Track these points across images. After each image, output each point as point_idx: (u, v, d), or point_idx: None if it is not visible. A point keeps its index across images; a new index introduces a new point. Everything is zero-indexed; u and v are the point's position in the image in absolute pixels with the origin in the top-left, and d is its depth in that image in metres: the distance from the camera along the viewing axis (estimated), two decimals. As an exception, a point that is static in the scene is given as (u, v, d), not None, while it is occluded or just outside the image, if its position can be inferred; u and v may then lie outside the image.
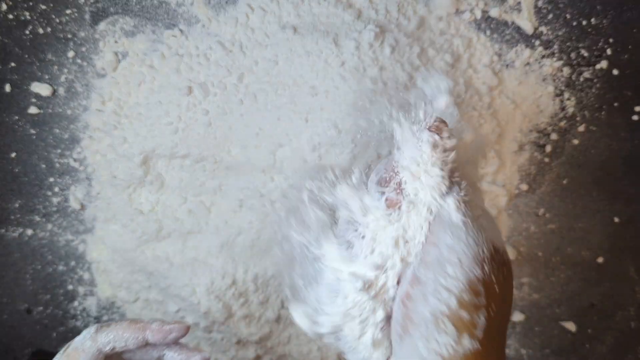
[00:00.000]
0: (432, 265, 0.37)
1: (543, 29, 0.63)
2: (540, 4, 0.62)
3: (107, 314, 0.70)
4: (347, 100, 0.56)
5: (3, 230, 0.66)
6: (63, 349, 0.45)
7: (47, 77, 0.62)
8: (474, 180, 0.43)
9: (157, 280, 0.65)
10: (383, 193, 0.40)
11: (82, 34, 0.61)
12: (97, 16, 0.61)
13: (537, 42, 0.64)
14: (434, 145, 0.39)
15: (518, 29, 0.63)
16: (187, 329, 0.47)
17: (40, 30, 0.60)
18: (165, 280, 0.64)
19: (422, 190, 0.39)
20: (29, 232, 0.66)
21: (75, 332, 0.69)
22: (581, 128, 0.66)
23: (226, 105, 0.59)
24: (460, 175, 0.41)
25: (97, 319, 0.70)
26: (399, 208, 0.40)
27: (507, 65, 0.64)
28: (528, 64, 0.64)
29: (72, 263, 0.68)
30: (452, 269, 0.36)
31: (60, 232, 0.67)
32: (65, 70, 0.62)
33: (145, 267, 0.64)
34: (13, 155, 0.64)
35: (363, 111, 0.55)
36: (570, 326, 0.72)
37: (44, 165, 0.65)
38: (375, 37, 0.57)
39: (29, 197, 0.65)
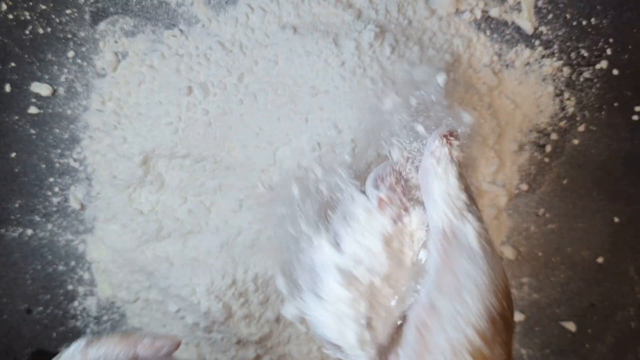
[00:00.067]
0: (448, 292, 0.35)
1: (543, 29, 0.63)
2: (540, 4, 0.62)
3: (107, 314, 0.70)
4: (347, 100, 0.56)
5: (3, 230, 0.66)
6: None
7: (47, 77, 0.62)
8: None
9: (157, 280, 0.65)
10: (377, 192, 0.40)
11: (82, 34, 0.61)
12: (97, 16, 0.61)
13: (537, 42, 0.64)
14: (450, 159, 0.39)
15: (518, 29, 0.63)
16: (178, 344, 0.46)
17: (40, 30, 0.60)
18: (165, 280, 0.64)
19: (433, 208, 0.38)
20: (29, 232, 0.66)
21: (75, 332, 0.69)
22: (581, 128, 0.66)
23: (226, 105, 0.59)
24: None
25: (97, 319, 0.70)
26: (400, 210, 0.40)
27: (507, 65, 0.64)
28: (528, 64, 0.64)
29: (72, 263, 0.68)
30: (470, 298, 0.35)
31: (60, 232, 0.67)
32: (65, 70, 0.62)
33: (145, 267, 0.64)
34: (13, 155, 0.64)
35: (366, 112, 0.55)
36: (570, 326, 0.72)
37: (44, 165, 0.65)
38: (375, 37, 0.57)
39: (29, 197, 0.65)
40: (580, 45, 0.63)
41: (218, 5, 0.61)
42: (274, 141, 0.58)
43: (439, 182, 0.38)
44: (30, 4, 0.59)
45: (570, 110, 0.66)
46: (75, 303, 0.69)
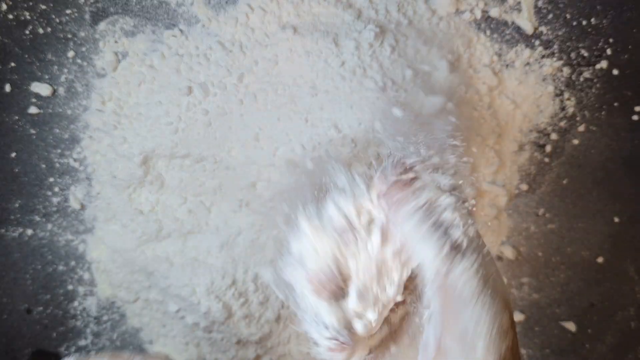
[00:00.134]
0: (456, 337, 0.35)
1: (543, 29, 0.63)
2: (540, 4, 0.62)
3: (107, 314, 0.70)
4: (347, 100, 0.56)
5: (3, 230, 0.66)
6: None
7: (47, 77, 0.62)
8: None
9: (157, 280, 0.64)
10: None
11: (82, 34, 0.61)
12: (97, 16, 0.61)
13: (537, 42, 0.64)
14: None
15: (518, 29, 0.63)
16: None
17: (40, 30, 0.60)
18: (165, 280, 0.64)
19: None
20: (29, 232, 0.66)
21: (75, 332, 0.69)
22: (581, 128, 0.66)
23: (226, 105, 0.59)
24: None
25: (97, 319, 0.70)
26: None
27: (507, 65, 0.64)
28: (528, 64, 0.64)
29: (72, 263, 0.68)
30: (481, 343, 0.34)
31: (60, 232, 0.67)
32: (65, 70, 0.62)
33: (145, 267, 0.64)
34: (13, 155, 0.64)
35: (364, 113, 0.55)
36: (570, 326, 0.72)
37: (44, 165, 0.64)
38: (375, 37, 0.57)
39: (29, 197, 0.65)
40: (580, 45, 0.63)
41: (218, 5, 0.61)
42: (274, 141, 0.58)
43: (420, 242, 0.37)
44: (30, 4, 0.59)
45: (570, 110, 0.66)
46: (75, 303, 0.69)
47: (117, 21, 0.61)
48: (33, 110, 0.62)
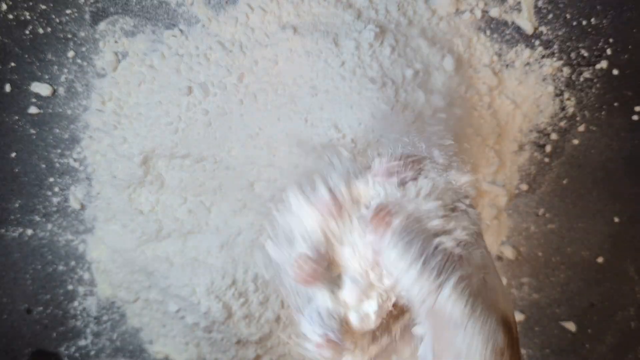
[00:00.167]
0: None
1: (543, 29, 0.63)
2: (540, 4, 0.62)
3: (107, 314, 0.70)
4: (347, 100, 0.56)
5: (3, 230, 0.66)
6: None
7: (47, 77, 0.62)
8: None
9: (157, 280, 0.64)
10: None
11: (82, 34, 0.61)
12: (97, 16, 0.61)
13: (537, 42, 0.64)
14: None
15: (518, 29, 0.63)
16: None
17: (40, 30, 0.60)
18: (165, 280, 0.64)
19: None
20: (29, 232, 0.66)
21: (75, 332, 0.69)
22: (581, 128, 0.66)
23: (226, 105, 0.59)
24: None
25: (97, 319, 0.70)
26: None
27: (507, 65, 0.64)
28: (528, 64, 0.64)
29: (72, 263, 0.68)
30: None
31: (60, 232, 0.67)
32: (65, 70, 0.62)
33: (145, 267, 0.64)
34: (13, 155, 0.64)
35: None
36: (570, 326, 0.72)
37: (44, 165, 0.65)
38: (375, 37, 0.57)
39: (29, 197, 0.65)
40: (580, 45, 0.63)
41: (218, 5, 0.61)
42: (274, 141, 0.58)
43: (404, 272, 0.35)
44: (30, 4, 0.59)
45: (570, 110, 0.66)
46: (75, 303, 0.69)
47: (117, 21, 0.61)
48: (33, 110, 0.62)
